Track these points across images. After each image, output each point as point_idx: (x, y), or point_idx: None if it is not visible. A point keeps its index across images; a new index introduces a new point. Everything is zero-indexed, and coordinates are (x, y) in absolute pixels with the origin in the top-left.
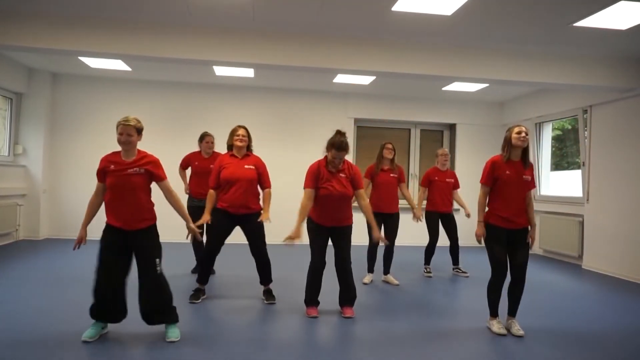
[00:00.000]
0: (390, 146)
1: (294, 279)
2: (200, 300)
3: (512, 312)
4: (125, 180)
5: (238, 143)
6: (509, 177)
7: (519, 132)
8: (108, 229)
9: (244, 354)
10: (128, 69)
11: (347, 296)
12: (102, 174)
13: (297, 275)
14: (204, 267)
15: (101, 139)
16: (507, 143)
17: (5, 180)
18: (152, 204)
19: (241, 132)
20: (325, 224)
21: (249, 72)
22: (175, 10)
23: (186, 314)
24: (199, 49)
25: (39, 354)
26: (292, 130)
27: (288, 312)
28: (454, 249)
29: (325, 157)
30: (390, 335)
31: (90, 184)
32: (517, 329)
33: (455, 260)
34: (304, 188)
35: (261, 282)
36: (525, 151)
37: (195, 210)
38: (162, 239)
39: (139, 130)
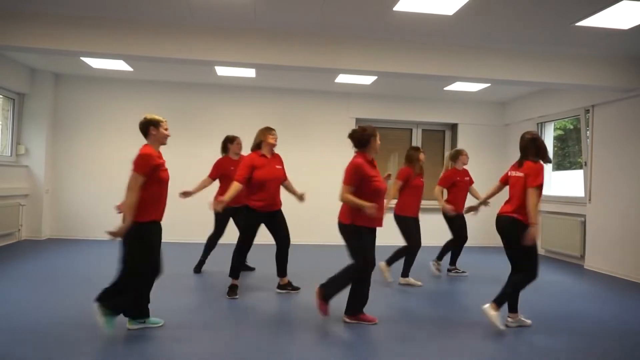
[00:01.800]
0: (422, 150)
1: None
2: (238, 296)
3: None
4: None
5: (274, 142)
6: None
7: None
8: None
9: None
10: (130, 69)
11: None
12: None
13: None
14: (237, 264)
15: (103, 139)
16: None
17: (7, 181)
18: (145, 201)
19: (275, 132)
20: (374, 225)
21: (250, 72)
22: (177, 10)
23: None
24: (201, 49)
25: (40, 353)
26: (294, 130)
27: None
28: (461, 247)
29: (364, 153)
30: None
31: (92, 184)
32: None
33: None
34: (345, 185)
35: (279, 275)
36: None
37: (225, 211)
38: (166, 239)
39: None
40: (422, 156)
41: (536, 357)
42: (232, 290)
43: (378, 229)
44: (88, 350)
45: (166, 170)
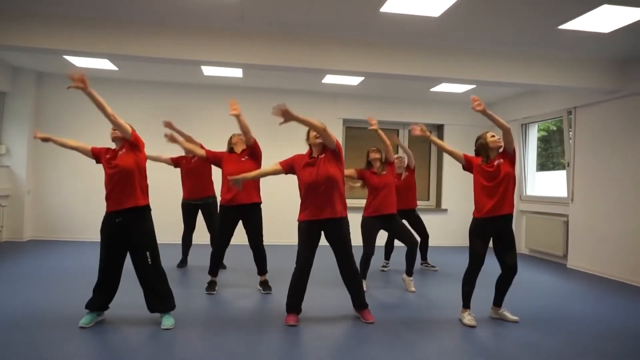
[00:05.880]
0: (375, 148)
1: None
2: (216, 291)
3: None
4: None
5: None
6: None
7: (493, 136)
8: None
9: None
10: (115, 68)
11: (358, 299)
12: None
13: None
14: (215, 261)
15: (87, 139)
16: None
17: None
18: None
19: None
20: (311, 217)
21: (237, 72)
22: (163, 9)
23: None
24: (187, 49)
25: (25, 355)
26: (281, 130)
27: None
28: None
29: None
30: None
31: (75, 184)
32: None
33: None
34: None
35: (258, 273)
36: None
37: (190, 208)
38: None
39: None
40: (372, 154)
41: (518, 353)
42: (210, 286)
43: None
44: (72, 349)
45: None
